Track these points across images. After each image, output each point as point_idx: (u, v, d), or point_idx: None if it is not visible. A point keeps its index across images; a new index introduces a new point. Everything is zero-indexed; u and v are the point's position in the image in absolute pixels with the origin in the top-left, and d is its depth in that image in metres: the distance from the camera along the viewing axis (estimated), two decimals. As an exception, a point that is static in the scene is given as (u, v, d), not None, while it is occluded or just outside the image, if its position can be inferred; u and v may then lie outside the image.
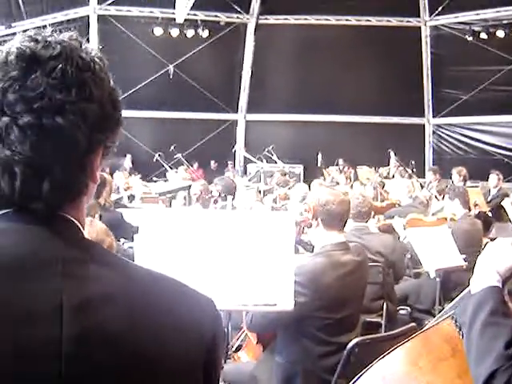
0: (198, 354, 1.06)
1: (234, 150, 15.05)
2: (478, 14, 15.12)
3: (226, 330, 4.62)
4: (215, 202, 6.74)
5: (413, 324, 3.40)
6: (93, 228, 3.10)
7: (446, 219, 6.63)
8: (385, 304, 5.32)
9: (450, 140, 16.71)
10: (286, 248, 2.82)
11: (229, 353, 4.22)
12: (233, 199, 6.70)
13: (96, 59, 1.07)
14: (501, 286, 1.61)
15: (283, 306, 2.78)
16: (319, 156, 14.77)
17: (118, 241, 5.07)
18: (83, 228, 1.07)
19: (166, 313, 1.04)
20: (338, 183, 12.15)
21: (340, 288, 3.43)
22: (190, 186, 10.07)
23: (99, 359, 0.95)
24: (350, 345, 3.11)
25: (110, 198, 6.17)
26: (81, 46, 1.07)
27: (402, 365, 1.73)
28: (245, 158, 15.19)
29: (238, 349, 4.16)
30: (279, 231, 2.82)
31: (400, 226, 6.68)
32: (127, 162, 15.02)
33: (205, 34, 15.56)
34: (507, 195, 9.33)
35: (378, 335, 3.40)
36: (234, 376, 3.70)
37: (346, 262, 3.52)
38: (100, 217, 5.11)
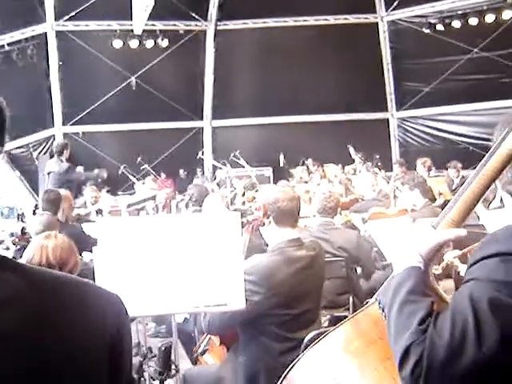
0: (102, 349, 1.09)
1: (199, 157, 15.03)
2: (433, 6, 15.31)
3: (192, 334, 4.68)
4: (186, 206, 6.81)
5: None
6: (57, 242, 3.07)
7: (406, 210, 6.70)
8: (351, 298, 5.40)
9: (415, 132, 16.88)
10: (234, 248, 2.85)
11: (194, 356, 4.26)
12: (200, 206, 6.76)
13: None
14: (423, 266, 1.64)
15: (234, 305, 2.81)
16: (281, 157, 14.84)
17: (80, 254, 5.08)
18: None
19: (67, 312, 1.07)
20: (306, 182, 12.24)
21: (295, 283, 3.46)
22: (155, 196, 10.09)
23: None
24: (307, 338, 3.14)
25: (72, 213, 6.17)
26: None
27: (333, 350, 1.77)
28: (213, 164, 15.22)
29: (204, 352, 4.17)
30: (226, 231, 2.86)
31: (359, 220, 6.75)
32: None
33: (164, 43, 15.54)
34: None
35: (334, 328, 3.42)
36: (200, 379, 3.73)
37: (299, 257, 3.56)
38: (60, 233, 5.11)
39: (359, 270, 5.83)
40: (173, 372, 2.81)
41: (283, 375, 1.87)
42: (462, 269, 4.28)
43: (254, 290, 3.23)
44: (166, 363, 2.74)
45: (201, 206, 6.77)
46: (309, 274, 3.58)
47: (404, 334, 1.46)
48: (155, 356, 2.82)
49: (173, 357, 2.91)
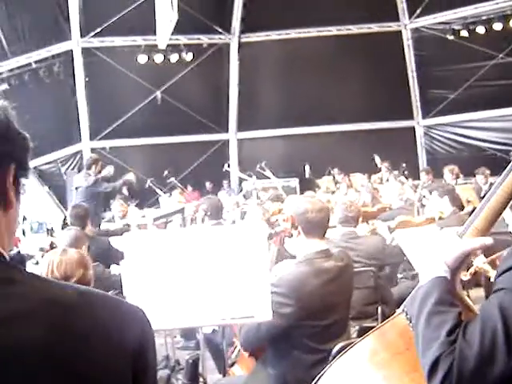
0: (124, 363, 1.10)
1: (225, 170, 15.09)
2: (456, 13, 15.23)
3: (220, 346, 4.67)
4: (202, 221, 6.77)
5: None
6: (65, 257, 3.15)
7: (434, 219, 6.64)
8: (379, 308, 5.36)
9: (442, 140, 16.76)
10: (260, 259, 2.85)
11: (226, 368, 4.26)
12: (220, 218, 6.73)
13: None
14: (449, 276, 1.63)
15: (261, 317, 2.81)
16: (306, 167, 14.82)
17: (108, 267, 5.14)
18: (5, 247, 1.12)
19: (89, 326, 1.08)
20: (333, 192, 12.19)
21: (324, 295, 3.45)
22: (183, 209, 10.13)
23: (8, 374, 0.99)
24: (335, 349, 3.13)
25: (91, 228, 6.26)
26: None
27: (359, 361, 1.76)
28: (239, 176, 15.26)
29: (233, 364, 4.17)
30: (252, 243, 2.86)
31: (385, 229, 6.70)
32: (124, 190, 15.07)
33: (188, 57, 15.65)
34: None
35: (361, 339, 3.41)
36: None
37: (328, 268, 3.54)
38: (88, 247, 5.16)
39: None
40: (201, 384, 2.82)
41: (310, 386, 1.86)
42: (493, 274, 4.22)
43: (284, 302, 3.23)
44: (194, 376, 2.74)
45: (218, 219, 6.74)
46: (338, 284, 3.56)
47: (432, 345, 1.45)
48: (183, 369, 2.82)
49: (200, 369, 2.92)
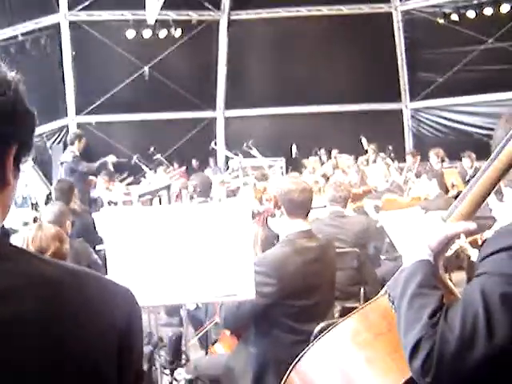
0: (111, 342, 1.10)
1: (212, 148, 15.03)
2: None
3: (203, 321, 4.69)
4: (191, 197, 6.78)
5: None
6: (40, 232, 3.16)
7: (419, 198, 6.68)
8: (362, 289, 5.40)
9: (429, 123, 16.80)
10: (244, 238, 2.86)
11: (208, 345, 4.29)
12: (208, 196, 6.74)
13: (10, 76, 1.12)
14: (432, 259, 1.64)
15: (244, 295, 2.82)
16: (293, 147, 14.81)
17: (93, 245, 5.12)
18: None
19: (77, 304, 1.08)
20: (322, 175, 12.15)
21: (306, 275, 3.47)
22: (169, 186, 10.09)
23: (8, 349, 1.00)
24: (316, 330, 3.15)
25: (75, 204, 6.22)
26: None
27: (342, 341, 1.78)
28: (225, 155, 15.23)
29: (215, 342, 4.19)
30: (236, 221, 2.86)
31: (371, 208, 6.73)
32: (108, 164, 14.98)
33: (177, 33, 15.53)
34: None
35: (344, 319, 3.43)
36: (210, 368, 3.75)
37: (310, 248, 3.56)
38: (72, 223, 5.14)
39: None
40: (183, 361, 2.83)
41: (292, 366, 1.88)
42: (473, 254, 4.28)
43: (265, 281, 3.24)
44: (177, 353, 2.75)
45: (207, 196, 6.76)
46: (320, 265, 3.58)
47: (414, 327, 1.47)
48: (166, 346, 2.84)
49: (183, 346, 2.93)
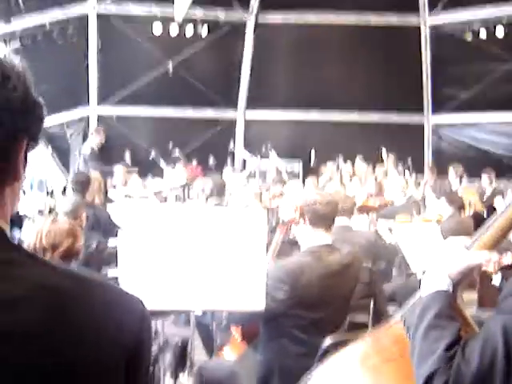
0: (118, 357, 1.07)
1: (230, 150, 15.04)
2: (476, 15, 15.08)
3: (210, 327, 4.67)
4: (206, 199, 6.78)
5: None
6: (54, 227, 3.15)
7: (431, 221, 6.59)
8: (371, 303, 5.35)
9: (449, 138, 16.68)
10: (258, 247, 2.83)
11: (214, 350, 4.26)
12: (222, 196, 6.76)
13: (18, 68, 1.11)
14: (451, 289, 1.61)
15: (253, 306, 2.79)
16: (312, 155, 14.77)
17: (104, 237, 5.12)
18: (7, 220, 1.10)
19: (84, 315, 1.06)
20: (341, 184, 12.09)
21: (321, 288, 3.44)
22: (186, 184, 10.12)
23: (4, 356, 0.97)
24: (325, 344, 3.12)
25: (101, 195, 6.22)
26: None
27: (351, 363, 1.75)
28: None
29: (223, 345, 4.17)
30: (251, 229, 2.84)
31: (385, 229, 6.68)
32: (126, 158, 15.05)
33: (204, 32, 15.54)
34: (502, 193, 9.34)
35: (353, 335, 3.40)
36: (215, 372, 3.73)
37: (330, 262, 3.54)
38: (87, 217, 5.14)
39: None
40: (188, 367, 2.81)
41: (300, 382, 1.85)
42: (496, 278, 4.24)
43: (278, 286, 3.23)
44: (182, 358, 2.73)
45: (222, 197, 6.79)
46: (338, 280, 3.56)
47: (429, 358, 1.44)
48: (172, 349, 2.82)
49: (189, 351, 2.91)
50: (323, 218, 3.58)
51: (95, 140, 9.23)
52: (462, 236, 6.21)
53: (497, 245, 1.61)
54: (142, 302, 1.16)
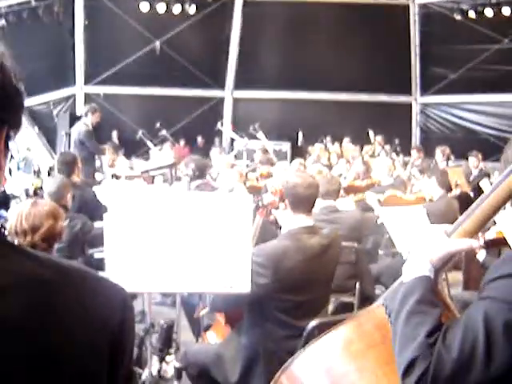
0: (102, 344, 1.08)
1: (218, 129, 14.98)
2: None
3: (196, 307, 4.68)
4: (190, 179, 6.79)
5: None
6: (34, 209, 3.14)
7: (424, 199, 6.64)
8: (357, 284, 5.39)
9: (437, 118, 16.72)
10: (244, 231, 2.83)
11: (200, 332, 4.27)
12: (204, 178, 6.79)
13: None
14: (432, 275, 1.62)
15: (239, 288, 2.80)
16: (300, 134, 14.75)
17: (90, 218, 5.11)
18: None
19: (66, 305, 1.06)
20: (326, 164, 12.09)
21: (303, 271, 3.43)
22: (173, 164, 10.06)
23: None
24: (310, 326, 3.14)
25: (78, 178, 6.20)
26: None
27: (334, 350, 1.76)
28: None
29: (208, 328, 4.18)
30: (237, 213, 2.84)
31: (374, 200, 6.69)
32: (113, 137, 14.97)
33: (192, 9, 15.41)
34: (488, 175, 9.39)
35: (337, 317, 3.43)
36: (200, 355, 3.74)
37: (312, 245, 3.52)
38: (73, 196, 5.13)
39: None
40: (173, 349, 2.81)
41: (282, 368, 1.85)
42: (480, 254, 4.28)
43: (261, 272, 3.21)
44: (168, 340, 2.74)
45: (203, 178, 6.82)
46: (319, 262, 3.54)
47: (410, 344, 1.45)
48: (157, 332, 2.82)
49: (175, 334, 2.92)
50: (304, 201, 3.54)
51: (91, 120, 9.07)
52: (449, 216, 6.31)
53: (478, 231, 1.62)
54: (124, 290, 1.17)
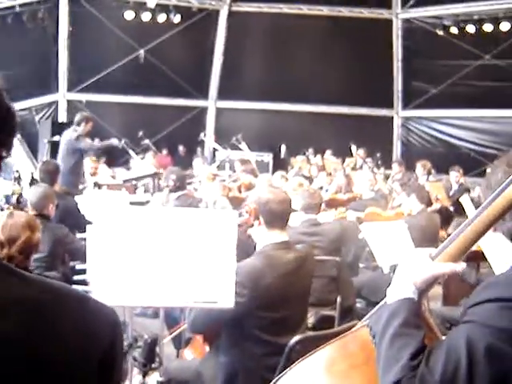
0: (93, 363, 1.09)
1: (200, 139, 14.99)
2: (448, 9, 15.24)
3: (178, 319, 4.68)
4: (170, 191, 6.88)
5: (354, 322, 3.42)
6: (11, 220, 3.13)
7: (403, 214, 6.70)
8: (338, 298, 5.41)
9: (418, 133, 16.87)
10: (228, 246, 2.84)
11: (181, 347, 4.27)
12: (184, 189, 6.89)
13: None
14: (416, 297, 1.64)
15: (224, 303, 2.81)
16: (282, 147, 14.81)
17: (72, 230, 5.08)
18: None
19: (63, 323, 1.07)
20: (308, 176, 12.14)
21: (280, 287, 3.40)
22: (156, 174, 10.07)
23: None
24: (292, 342, 3.13)
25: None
26: None
27: (317, 369, 1.77)
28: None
29: (188, 342, 4.17)
30: (222, 230, 2.85)
31: (354, 219, 6.75)
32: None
33: (176, 19, 15.45)
34: (468, 190, 9.47)
35: (319, 333, 3.43)
36: (180, 372, 3.73)
37: (287, 261, 3.51)
38: (57, 205, 5.10)
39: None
40: (156, 365, 2.82)
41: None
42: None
43: (238, 291, 3.17)
44: (151, 356, 2.74)
45: (184, 189, 6.93)
46: (295, 278, 3.52)
47: (393, 366, 1.46)
48: (140, 347, 2.82)
49: (157, 349, 2.92)
50: (277, 216, 3.52)
51: (84, 130, 8.88)
52: (430, 230, 6.38)
53: (461, 256, 1.65)
54: (114, 311, 1.19)
